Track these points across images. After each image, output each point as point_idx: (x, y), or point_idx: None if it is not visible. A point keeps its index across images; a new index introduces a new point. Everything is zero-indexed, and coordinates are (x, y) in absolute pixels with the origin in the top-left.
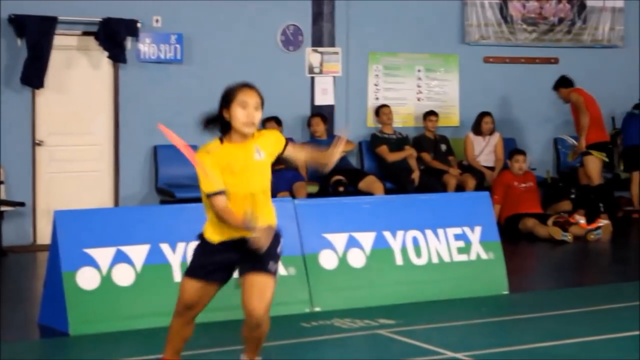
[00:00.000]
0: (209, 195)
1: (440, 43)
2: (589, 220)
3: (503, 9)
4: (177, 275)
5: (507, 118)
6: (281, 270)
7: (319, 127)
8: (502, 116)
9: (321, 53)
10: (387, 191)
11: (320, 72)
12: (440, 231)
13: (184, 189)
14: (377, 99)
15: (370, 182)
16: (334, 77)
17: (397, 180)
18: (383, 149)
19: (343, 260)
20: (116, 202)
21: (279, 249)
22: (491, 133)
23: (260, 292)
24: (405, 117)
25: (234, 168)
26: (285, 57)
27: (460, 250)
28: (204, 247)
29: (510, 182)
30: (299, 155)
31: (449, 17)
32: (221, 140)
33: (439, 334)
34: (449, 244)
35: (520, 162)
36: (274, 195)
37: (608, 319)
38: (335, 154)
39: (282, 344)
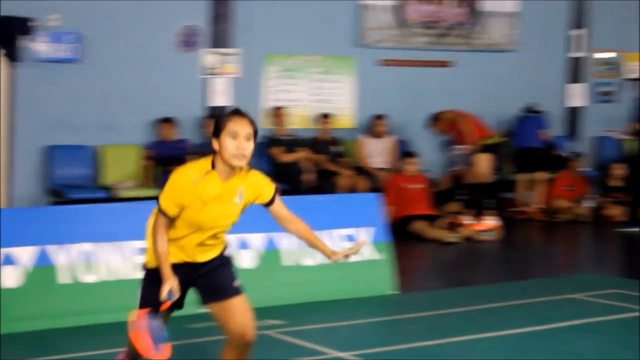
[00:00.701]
0: (159, 208)
1: (337, 45)
2: (477, 220)
3: (400, 12)
4: (64, 277)
5: (401, 120)
6: None
7: (209, 129)
8: (396, 119)
9: (220, 54)
10: (280, 192)
11: (218, 74)
12: (332, 232)
13: (76, 190)
14: (272, 100)
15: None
16: (230, 78)
17: (290, 182)
18: (277, 150)
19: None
20: (10, 201)
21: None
22: (385, 135)
23: (245, 312)
24: (300, 118)
25: (210, 204)
26: (182, 57)
27: None
28: (153, 276)
29: (402, 184)
30: (284, 214)
31: (346, 20)
32: (213, 165)
33: (326, 334)
34: (339, 245)
35: (412, 164)
36: None
37: (494, 317)
38: (339, 258)
39: (172, 345)
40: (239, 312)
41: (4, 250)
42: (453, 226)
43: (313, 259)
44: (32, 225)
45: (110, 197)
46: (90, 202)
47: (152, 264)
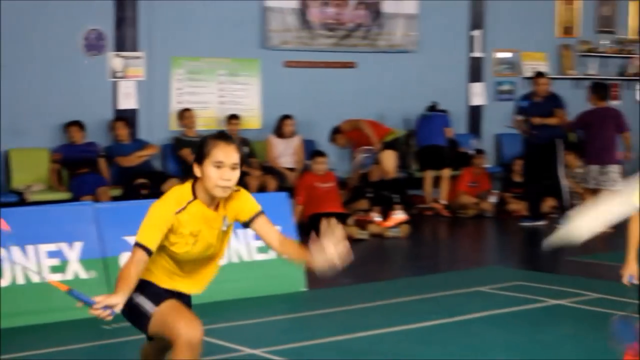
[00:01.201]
0: (137, 243)
1: (242, 48)
2: (385, 216)
3: (303, 14)
4: None
5: (307, 120)
6: (82, 273)
7: (122, 131)
8: (302, 119)
9: (124, 57)
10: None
11: (124, 77)
12: (240, 232)
13: None
14: (180, 102)
15: (173, 184)
16: (137, 81)
17: None
18: (186, 152)
19: None
20: None
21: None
22: (292, 135)
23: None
24: (207, 120)
25: (197, 236)
26: (89, 61)
27: (260, 250)
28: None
29: (312, 183)
30: (271, 236)
31: (251, 22)
32: (194, 192)
33: (238, 332)
34: (248, 244)
35: (322, 164)
36: (77, 200)
37: (403, 311)
38: (331, 258)
39: (83, 347)
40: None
41: None
42: (362, 223)
43: (224, 258)
44: None
45: (19, 201)
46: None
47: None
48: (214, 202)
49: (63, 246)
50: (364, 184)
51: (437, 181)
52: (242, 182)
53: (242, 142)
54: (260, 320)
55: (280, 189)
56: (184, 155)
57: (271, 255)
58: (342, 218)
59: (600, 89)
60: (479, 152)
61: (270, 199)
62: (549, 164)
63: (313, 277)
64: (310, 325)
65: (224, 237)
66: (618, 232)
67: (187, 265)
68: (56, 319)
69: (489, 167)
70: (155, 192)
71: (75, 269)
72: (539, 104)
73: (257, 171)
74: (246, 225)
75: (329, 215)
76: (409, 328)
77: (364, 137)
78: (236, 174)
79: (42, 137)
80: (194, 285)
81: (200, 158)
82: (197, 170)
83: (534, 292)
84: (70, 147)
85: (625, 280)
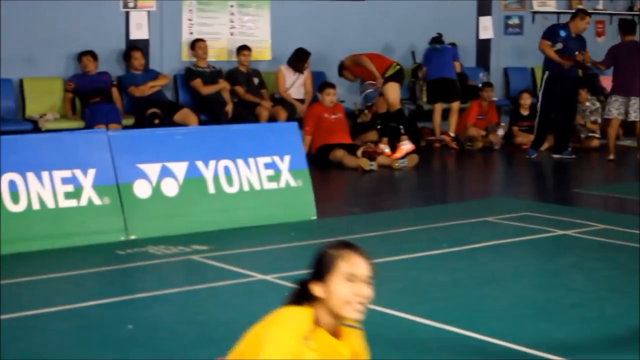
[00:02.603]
0: None
1: None
2: (393, 148)
3: None
4: None
5: (316, 52)
6: (96, 200)
7: (139, 61)
8: (311, 50)
9: None
10: (202, 123)
11: (135, 7)
12: (251, 160)
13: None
14: (191, 33)
15: (185, 114)
16: (149, 11)
17: (211, 113)
18: (197, 82)
19: (157, 190)
20: None
21: None
22: (304, 70)
23: None
24: (218, 51)
25: None
26: None
27: (270, 179)
28: None
29: (321, 114)
30: None
31: None
32: (315, 318)
33: (249, 258)
34: (259, 173)
35: (330, 95)
36: (90, 129)
37: (409, 240)
38: None
39: (98, 271)
40: None
41: None
42: (370, 155)
43: (234, 186)
44: None
45: (33, 129)
46: (15, 134)
47: None
48: (336, 331)
49: (77, 173)
50: (372, 117)
51: (445, 114)
52: (253, 114)
53: (253, 73)
54: (271, 247)
55: (290, 119)
56: (195, 85)
57: (282, 184)
58: (350, 149)
59: (627, 24)
60: (487, 85)
61: (280, 129)
62: (571, 99)
63: (323, 207)
64: None
65: None
66: (623, 165)
67: None
68: (72, 243)
69: (496, 100)
70: (167, 122)
71: (89, 195)
72: (573, 39)
73: (268, 102)
74: None
75: (337, 146)
76: (417, 256)
77: (367, 71)
78: (370, 293)
79: (55, 66)
80: None
81: (323, 273)
82: (317, 289)
83: (540, 223)
84: (83, 76)
85: None
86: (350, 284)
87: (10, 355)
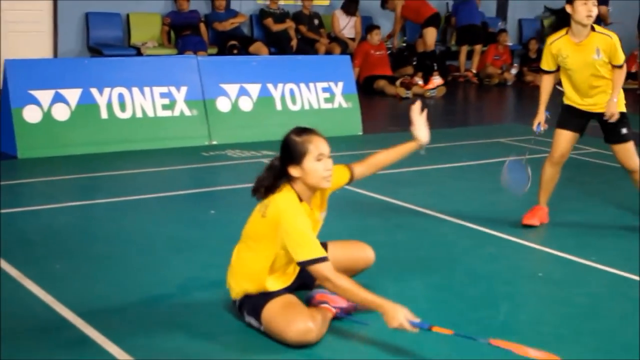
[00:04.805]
0: (316, 260)
1: None
2: (426, 81)
3: None
4: (104, 114)
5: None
6: (186, 111)
7: (219, 2)
8: None
9: None
10: (271, 54)
11: None
12: (311, 85)
13: (110, 48)
14: None
15: (258, 47)
16: None
17: (279, 46)
18: (269, 21)
19: (235, 105)
20: (55, 56)
21: None
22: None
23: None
24: None
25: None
26: None
27: (326, 100)
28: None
29: (368, 50)
30: (367, 169)
31: None
32: (298, 196)
33: None
34: (317, 95)
35: (376, 35)
36: (181, 53)
37: (438, 154)
38: (421, 128)
39: (187, 168)
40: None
41: (57, 90)
42: (407, 85)
43: (297, 105)
44: (79, 72)
45: (137, 54)
46: (122, 56)
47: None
48: (311, 198)
49: (172, 89)
50: (409, 53)
51: (469, 55)
52: (313, 48)
53: (314, 15)
54: None
55: (343, 53)
56: (267, 24)
57: (336, 105)
58: (390, 80)
59: None
60: (503, 31)
61: (335, 61)
62: None
63: (368, 125)
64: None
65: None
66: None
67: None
68: (166, 145)
69: (511, 44)
70: (243, 52)
71: (181, 107)
72: None
73: (325, 39)
74: (348, 184)
75: (380, 77)
76: (444, 167)
77: (411, 9)
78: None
79: (156, 4)
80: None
81: (297, 158)
82: (294, 171)
83: (542, 144)
84: (177, 13)
85: (534, 128)
86: (320, 163)
87: (117, 229)
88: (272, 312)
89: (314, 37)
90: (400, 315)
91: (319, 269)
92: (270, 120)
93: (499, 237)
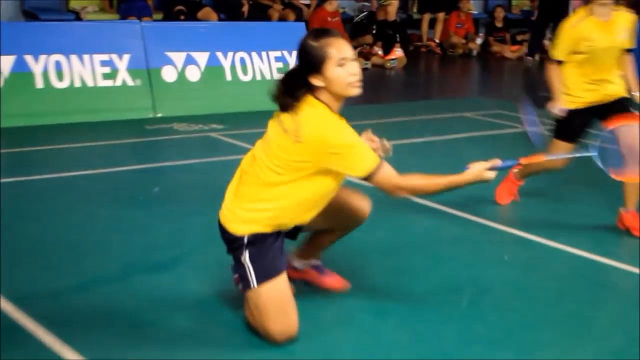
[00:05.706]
0: (376, 170)
1: None
2: (386, 51)
3: None
4: (39, 83)
5: None
6: (129, 81)
7: None
8: None
9: None
10: (221, 20)
11: None
12: (263, 54)
13: (47, 12)
14: None
15: (207, 12)
16: None
17: (229, 12)
18: None
19: (182, 75)
20: None
21: None
22: None
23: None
24: None
25: None
26: None
27: (280, 70)
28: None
29: (325, 17)
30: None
31: None
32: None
33: (258, 137)
34: (270, 64)
35: (333, 1)
36: (124, 18)
37: (396, 129)
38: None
39: (129, 142)
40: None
41: None
42: (365, 55)
43: (248, 75)
44: (12, 37)
45: (76, 19)
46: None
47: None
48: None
49: (114, 57)
50: (369, 22)
51: (432, 23)
52: (266, 14)
53: None
54: None
55: (298, 20)
56: None
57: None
58: None
59: None
60: None
61: (289, 28)
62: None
63: None
64: None
65: None
66: None
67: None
68: (107, 118)
69: (475, 13)
70: (191, 18)
71: (124, 76)
72: None
73: (278, 5)
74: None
75: None
76: (402, 143)
77: None
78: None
79: None
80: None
81: (316, 65)
82: (317, 81)
83: (510, 119)
84: None
85: (557, 111)
86: (343, 68)
87: (50, 208)
88: (264, 299)
89: (266, 3)
90: (486, 175)
91: (385, 176)
92: (220, 91)
93: (463, 218)
